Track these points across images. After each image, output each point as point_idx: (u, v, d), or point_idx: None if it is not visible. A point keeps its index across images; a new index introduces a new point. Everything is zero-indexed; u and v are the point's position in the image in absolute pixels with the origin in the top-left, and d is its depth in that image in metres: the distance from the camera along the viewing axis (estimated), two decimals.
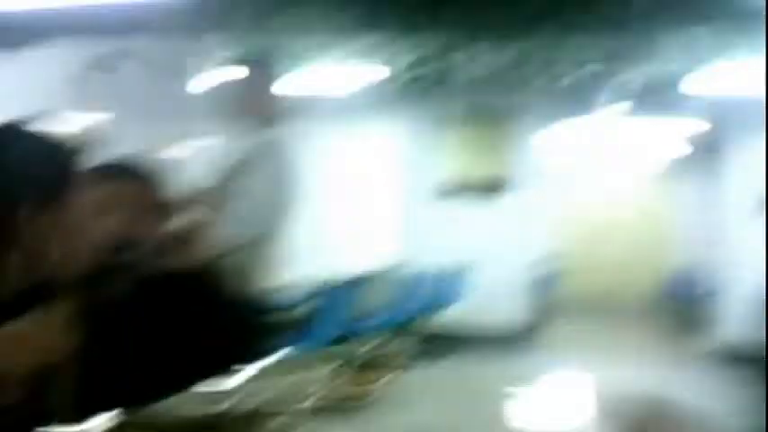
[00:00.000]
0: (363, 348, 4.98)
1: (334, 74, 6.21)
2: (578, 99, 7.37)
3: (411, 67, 6.18)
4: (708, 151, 9.19)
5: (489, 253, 7.79)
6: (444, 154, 8.05)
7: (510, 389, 6.14)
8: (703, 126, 8.25)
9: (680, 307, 10.54)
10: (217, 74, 4.78)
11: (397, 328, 6.10)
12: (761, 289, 6.71)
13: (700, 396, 6.59)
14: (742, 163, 7.56)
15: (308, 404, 3.69)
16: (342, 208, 8.06)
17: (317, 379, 3.82)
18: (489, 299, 7.70)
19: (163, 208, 1.25)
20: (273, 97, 3.24)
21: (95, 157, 1.25)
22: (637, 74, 6.25)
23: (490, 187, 7.93)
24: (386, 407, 4.89)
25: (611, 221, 12.72)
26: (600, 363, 7.59)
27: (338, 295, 5.04)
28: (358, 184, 8.10)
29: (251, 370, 2.47)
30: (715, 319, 7.87)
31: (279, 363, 3.16)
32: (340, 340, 5.16)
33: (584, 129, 8.64)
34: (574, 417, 5.21)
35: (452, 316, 7.40)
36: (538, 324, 8.63)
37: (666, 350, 9.16)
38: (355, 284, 5.84)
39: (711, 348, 7.77)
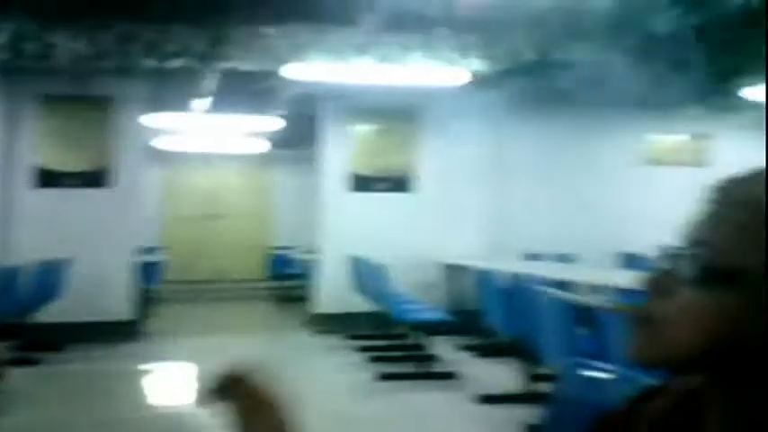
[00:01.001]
0: None
1: None
2: (182, 85, 7.47)
3: None
4: (301, 140, 9.98)
5: (94, 243, 7.54)
6: (37, 143, 7.57)
7: (124, 377, 6.08)
8: (299, 116, 8.94)
9: (282, 282, 11.33)
10: None
11: None
12: (342, 266, 7.60)
13: (302, 358, 7.24)
14: (332, 152, 8.37)
15: None
16: None
17: None
18: (95, 289, 7.47)
19: None
20: None
21: None
22: (237, 63, 6.53)
23: (88, 178, 7.67)
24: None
25: (218, 207, 13.08)
26: (216, 338, 7.89)
27: None
28: None
29: None
30: (310, 292, 8.64)
31: None
32: None
33: (187, 116, 8.77)
34: (189, 395, 5.37)
35: (57, 310, 7.02)
36: (148, 311, 8.60)
37: (273, 320, 9.84)
38: None
39: (308, 317, 8.53)
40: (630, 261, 7.64)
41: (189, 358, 6.80)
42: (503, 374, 5.72)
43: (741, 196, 0.73)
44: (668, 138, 9.01)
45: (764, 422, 0.71)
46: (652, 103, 8.17)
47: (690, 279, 0.72)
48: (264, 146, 11.29)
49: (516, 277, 5.30)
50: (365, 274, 7.03)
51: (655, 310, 0.75)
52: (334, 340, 7.54)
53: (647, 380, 0.94)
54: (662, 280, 0.76)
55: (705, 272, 0.71)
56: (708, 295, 0.72)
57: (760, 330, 0.69)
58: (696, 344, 0.72)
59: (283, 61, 6.26)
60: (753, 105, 7.79)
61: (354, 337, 7.43)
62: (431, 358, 6.15)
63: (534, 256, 8.04)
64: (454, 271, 8.07)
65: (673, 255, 0.76)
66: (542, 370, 4.90)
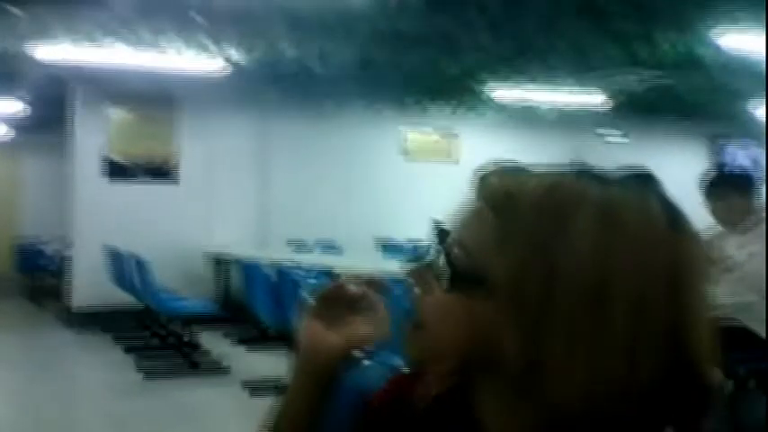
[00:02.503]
0: None
1: None
2: None
3: None
4: (51, 125, 9.36)
5: None
6: None
7: None
8: (49, 99, 8.38)
9: (31, 277, 10.57)
10: None
11: None
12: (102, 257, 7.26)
13: (62, 358, 6.87)
14: (86, 138, 7.96)
15: None
16: None
17: None
18: None
19: None
20: None
21: None
22: None
23: None
24: None
25: None
26: None
27: None
28: None
29: None
30: (65, 286, 8.20)
31: None
32: None
33: None
34: None
35: None
36: None
37: (27, 318, 9.17)
38: None
39: (65, 314, 8.08)
40: (390, 250, 8.07)
41: None
42: (273, 365, 5.82)
43: (502, 200, 0.71)
44: (423, 135, 9.59)
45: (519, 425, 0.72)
46: (409, 101, 8.66)
47: (444, 279, 0.72)
48: (5, 131, 10.46)
49: (282, 266, 5.42)
50: (125, 268, 6.80)
51: (420, 310, 0.75)
52: (95, 338, 7.22)
53: (406, 368, 0.92)
54: (423, 274, 0.75)
55: (457, 275, 0.71)
56: (459, 298, 0.71)
57: (509, 336, 0.68)
58: (452, 346, 0.72)
59: (29, 42, 5.89)
60: (496, 106, 8.54)
61: (117, 334, 7.16)
62: (200, 352, 6.12)
63: (299, 245, 8.23)
64: (221, 262, 8.04)
65: (434, 249, 0.75)
66: None
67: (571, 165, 0.73)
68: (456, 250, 0.72)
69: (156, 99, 8.12)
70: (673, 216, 0.71)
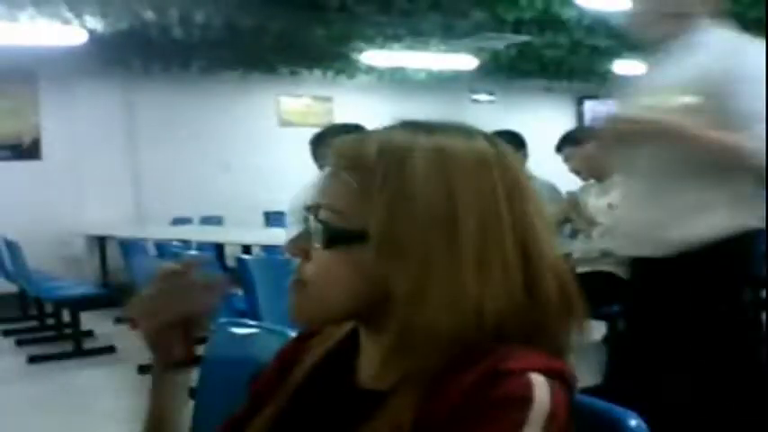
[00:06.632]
0: None
1: None
2: None
3: None
4: None
5: None
6: None
7: None
8: None
9: None
10: None
11: None
12: None
13: None
14: None
15: None
16: None
17: None
18: None
19: None
20: None
21: None
22: None
23: None
24: None
25: None
26: None
27: None
28: None
29: None
30: None
31: None
32: None
33: None
34: None
35: None
36: None
37: None
38: None
39: None
40: (274, 220, 8.06)
41: None
42: None
43: (352, 161, 0.78)
44: (296, 100, 9.56)
45: (395, 363, 0.77)
46: (281, 66, 8.59)
47: (321, 241, 0.78)
48: None
49: (165, 244, 5.35)
50: None
51: (302, 272, 0.81)
52: None
53: (294, 332, 1.00)
54: (299, 243, 0.82)
55: (333, 235, 0.78)
56: (339, 255, 0.78)
57: (390, 279, 0.75)
58: (341, 300, 0.79)
59: None
60: (368, 69, 8.62)
61: None
62: (85, 335, 5.97)
63: (181, 220, 8.08)
64: (99, 242, 7.80)
65: (305, 217, 0.81)
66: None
67: (399, 121, 0.82)
68: (325, 213, 0.79)
69: (12, 74, 7.70)
70: (495, 144, 0.80)
